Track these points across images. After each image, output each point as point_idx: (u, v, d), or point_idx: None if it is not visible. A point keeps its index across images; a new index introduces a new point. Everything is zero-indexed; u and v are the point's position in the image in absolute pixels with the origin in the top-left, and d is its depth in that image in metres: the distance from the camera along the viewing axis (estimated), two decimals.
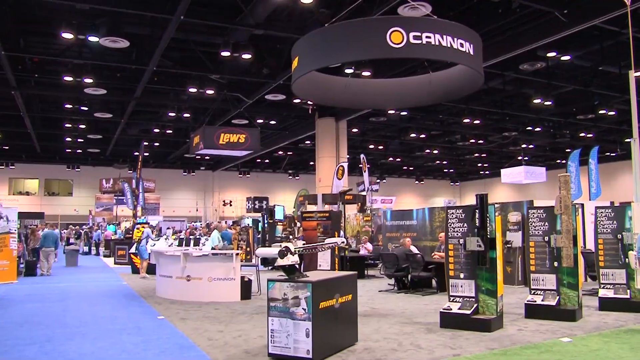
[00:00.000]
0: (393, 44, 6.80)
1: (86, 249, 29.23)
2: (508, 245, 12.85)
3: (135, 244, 16.93)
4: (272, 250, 6.64)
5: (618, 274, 9.49)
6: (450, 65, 8.73)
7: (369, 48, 7.22)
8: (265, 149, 31.25)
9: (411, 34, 6.82)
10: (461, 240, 8.05)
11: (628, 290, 9.26)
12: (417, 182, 52.36)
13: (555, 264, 8.75)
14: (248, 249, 17.70)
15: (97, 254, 27.63)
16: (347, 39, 7.30)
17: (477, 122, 26.06)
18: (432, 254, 13.09)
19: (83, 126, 27.26)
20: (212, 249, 12.78)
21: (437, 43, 6.92)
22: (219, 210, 45.04)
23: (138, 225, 20.92)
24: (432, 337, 7.29)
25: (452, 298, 8.11)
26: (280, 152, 37.02)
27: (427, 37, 6.88)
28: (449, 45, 7.00)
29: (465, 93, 10.21)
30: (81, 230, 32.76)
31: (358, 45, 7.24)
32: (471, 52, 7.31)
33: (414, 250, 12.69)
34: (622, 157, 33.43)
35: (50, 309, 10.11)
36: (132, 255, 17.58)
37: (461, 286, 8.06)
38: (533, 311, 8.67)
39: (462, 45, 7.13)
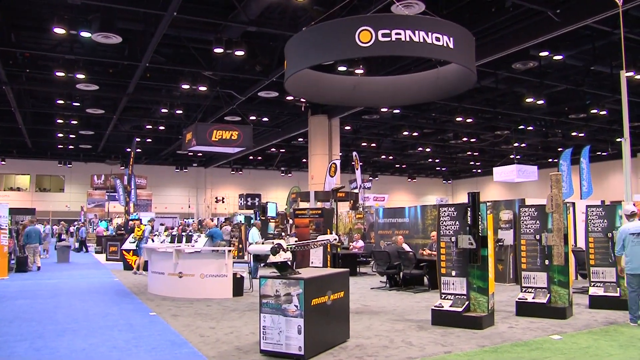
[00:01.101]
0: (362, 43, 6.80)
1: (77, 245, 29.03)
2: (499, 244, 12.90)
3: (135, 242, 16.83)
4: (264, 247, 6.65)
5: (608, 272, 9.55)
6: (447, 62, 8.70)
7: (339, 49, 7.24)
8: (258, 146, 31.22)
9: (380, 32, 6.79)
10: (453, 238, 8.08)
11: (618, 289, 9.33)
12: (409, 180, 52.49)
13: (546, 262, 8.81)
14: (240, 246, 17.74)
15: (86, 251, 27.43)
16: (321, 41, 7.36)
17: (469, 120, 26.16)
18: (420, 250, 13.14)
19: (75, 122, 27.11)
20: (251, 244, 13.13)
21: (407, 39, 6.87)
22: (211, 207, 44.96)
23: (132, 222, 20.82)
24: (424, 335, 7.32)
25: (443, 295, 8.15)
26: (273, 149, 37.00)
27: (396, 34, 6.83)
28: (421, 41, 6.92)
29: (461, 90, 10.19)
30: (71, 227, 32.47)
31: (329, 47, 7.28)
32: (450, 46, 7.18)
33: (406, 247, 12.73)
34: (613, 157, 33.69)
35: (42, 305, 10.06)
36: (123, 252, 17.50)
37: (453, 284, 8.10)
38: (524, 309, 8.72)
39: (437, 39, 7.03)
